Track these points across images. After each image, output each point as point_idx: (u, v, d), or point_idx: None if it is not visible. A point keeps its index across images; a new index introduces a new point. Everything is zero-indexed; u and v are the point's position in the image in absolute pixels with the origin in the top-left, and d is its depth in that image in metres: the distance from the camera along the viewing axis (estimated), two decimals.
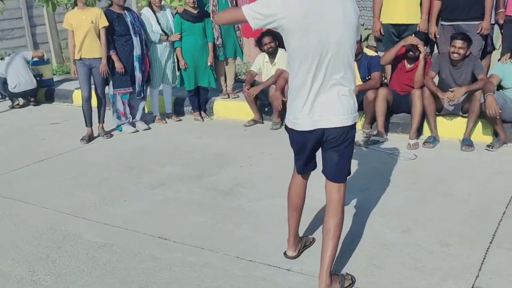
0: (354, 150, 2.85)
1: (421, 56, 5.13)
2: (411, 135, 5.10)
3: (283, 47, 6.02)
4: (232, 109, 6.54)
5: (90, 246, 3.35)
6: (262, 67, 6.11)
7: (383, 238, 3.27)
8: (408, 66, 5.35)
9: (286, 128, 2.78)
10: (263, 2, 2.53)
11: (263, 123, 6.16)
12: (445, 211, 3.62)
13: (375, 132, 5.32)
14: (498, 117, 4.67)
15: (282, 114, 5.94)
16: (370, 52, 5.65)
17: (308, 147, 2.71)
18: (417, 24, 5.48)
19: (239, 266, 3.04)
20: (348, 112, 2.59)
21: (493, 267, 2.89)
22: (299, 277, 2.90)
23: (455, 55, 4.94)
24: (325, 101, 2.56)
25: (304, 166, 2.84)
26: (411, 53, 5.23)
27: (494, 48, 5.54)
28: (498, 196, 3.81)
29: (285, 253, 3.13)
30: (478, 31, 5.18)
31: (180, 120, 6.52)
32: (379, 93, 5.24)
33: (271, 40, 5.90)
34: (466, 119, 5.05)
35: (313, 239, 3.27)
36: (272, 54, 6.00)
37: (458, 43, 4.89)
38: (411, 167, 4.53)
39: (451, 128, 5.20)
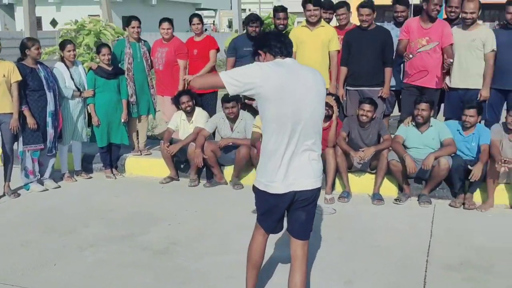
0: None
1: (334, 116, 5.58)
2: (327, 190, 5.45)
3: (200, 105, 6.27)
4: (144, 166, 6.47)
5: None
6: (179, 125, 6.18)
7: None
8: (324, 125, 5.76)
9: (255, 189, 2.90)
10: (243, 71, 2.72)
11: (179, 180, 6.17)
12: (376, 262, 3.92)
13: None
14: (413, 174, 5.21)
15: (199, 171, 6.07)
16: None
17: (281, 208, 2.86)
18: (327, 88, 5.97)
19: None
20: (318, 175, 2.81)
21: None
22: None
23: (364, 117, 5.45)
24: (298, 166, 2.76)
25: (275, 227, 2.97)
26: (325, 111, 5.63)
27: (391, 112, 6.22)
28: (417, 246, 4.21)
29: None
30: (378, 95, 5.78)
31: (91, 177, 6.30)
32: None
33: (189, 99, 6.04)
34: (373, 175, 5.54)
35: None
36: (189, 113, 6.11)
37: (367, 106, 5.42)
38: (333, 222, 4.82)
39: (360, 184, 5.64)
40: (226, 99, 5.74)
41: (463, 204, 5.18)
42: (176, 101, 6.13)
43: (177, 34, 6.72)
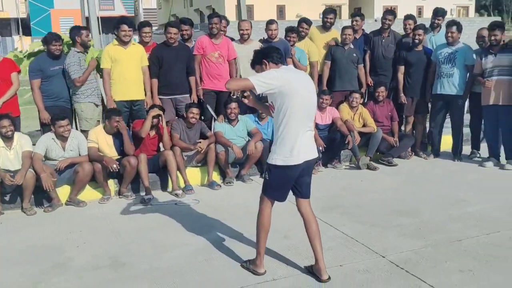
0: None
1: (164, 124, 6.31)
2: (174, 187, 6.19)
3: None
4: None
5: None
6: None
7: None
8: (152, 133, 6.38)
9: (273, 167, 3.75)
10: (267, 75, 3.63)
11: (3, 213, 5.69)
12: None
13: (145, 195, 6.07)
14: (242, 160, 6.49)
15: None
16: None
17: (294, 177, 3.80)
18: (144, 99, 6.61)
19: None
20: (315, 148, 3.89)
21: None
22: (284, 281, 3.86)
23: (193, 119, 6.44)
24: (305, 142, 3.77)
25: (286, 195, 3.87)
26: (155, 120, 6.26)
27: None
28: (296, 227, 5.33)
29: (256, 273, 3.94)
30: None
31: None
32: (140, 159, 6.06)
33: (10, 123, 5.67)
34: (202, 168, 6.58)
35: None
36: (9, 138, 5.71)
37: (195, 110, 6.42)
38: (206, 208, 5.63)
39: (190, 177, 6.55)
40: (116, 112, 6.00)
41: None
42: None
43: None
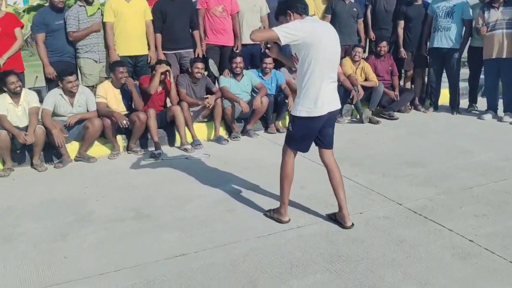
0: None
1: (172, 80, 6.29)
2: (183, 142, 6.23)
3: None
4: None
5: None
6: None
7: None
8: (159, 89, 6.36)
9: (296, 119, 3.81)
10: (291, 26, 3.64)
11: (14, 170, 5.70)
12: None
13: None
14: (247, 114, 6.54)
15: None
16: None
17: (317, 128, 3.87)
18: (147, 54, 6.55)
19: None
20: (339, 99, 3.95)
21: None
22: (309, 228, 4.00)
23: (198, 74, 6.42)
24: (328, 93, 3.82)
25: (309, 146, 3.95)
26: (162, 76, 6.24)
27: None
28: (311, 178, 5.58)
29: (280, 221, 4.07)
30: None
31: None
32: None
33: (18, 79, 5.62)
34: (208, 123, 6.62)
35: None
36: (17, 94, 5.66)
37: (200, 65, 6.39)
38: (217, 162, 5.71)
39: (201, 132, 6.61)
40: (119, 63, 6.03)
41: (277, 129, 6.88)
42: (2, 81, 5.56)
43: None
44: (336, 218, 4.02)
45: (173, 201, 4.63)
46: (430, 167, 5.28)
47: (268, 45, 3.90)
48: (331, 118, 3.92)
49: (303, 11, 3.79)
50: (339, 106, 3.95)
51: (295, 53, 3.81)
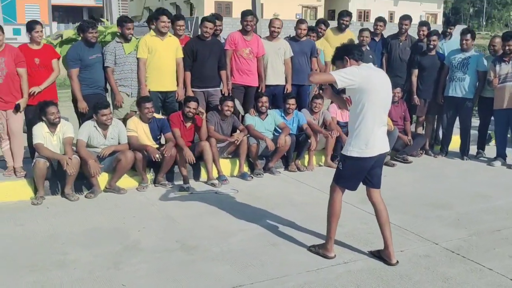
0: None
1: (203, 116, 6.51)
2: (210, 176, 6.39)
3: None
4: None
5: None
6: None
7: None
8: (188, 124, 6.55)
9: (348, 158, 4.03)
10: (348, 71, 3.93)
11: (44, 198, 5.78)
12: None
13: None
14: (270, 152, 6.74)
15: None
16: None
17: (367, 168, 4.09)
18: (175, 91, 6.77)
19: None
20: (388, 142, 4.19)
21: None
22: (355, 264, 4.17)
23: (228, 112, 6.64)
24: (379, 136, 4.07)
25: (358, 185, 4.16)
26: (190, 114, 6.44)
27: None
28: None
29: (326, 256, 4.22)
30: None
31: None
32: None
33: (57, 110, 5.77)
34: (232, 160, 6.80)
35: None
36: (55, 125, 5.79)
37: (230, 103, 6.62)
38: (247, 197, 5.88)
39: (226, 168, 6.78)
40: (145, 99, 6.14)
41: (298, 168, 7.09)
42: (43, 110, 5.70)
43: None
44: (380, 255, 4.20)
45: (216, 234, 4.76)
46: (456, 209, 5.52)
47: (323, 87, 4.15)
48: (380, 160, 4.15)
49: (359, 57, 4.07)
50: (388, 149, 4.18)
51: (349, 96, 4.07)
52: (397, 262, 4.12)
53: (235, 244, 4.54)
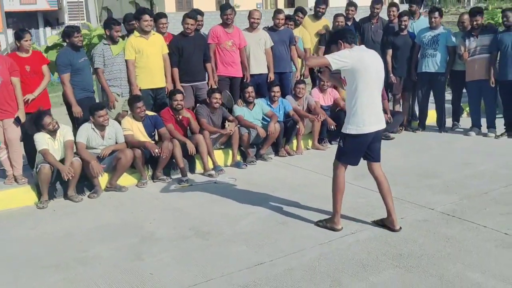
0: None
1: (189, 115, 6.71)
2: (207, 168, 6.60)
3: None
4: None
5: None
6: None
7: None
8: (179, 117, 6.73)
9: (347, 136, 4.32)
10: (342, 54, 4.21)
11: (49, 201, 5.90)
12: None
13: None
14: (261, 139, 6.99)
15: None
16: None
17: (366, 144, 4.39)
18: (165, 86, 6.94)
19: None
20: (384, 119, 4.49)
21: None
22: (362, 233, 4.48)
23: (216, 104, 6.86)
24: (376, 113, 4.37)
25: (359, 160, 4.46)
26: (179, 106, 6.64)
27: None
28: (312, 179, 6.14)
29: (334, 229, 4.52)
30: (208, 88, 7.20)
31: None
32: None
33: (52, 118, 5.87)
34: (225, 150, 7.03)
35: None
36: (55, 131, 5.89)
37: (217, 95, 6.84)
38: (246, 185, 6.11)
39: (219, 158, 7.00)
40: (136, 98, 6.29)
41: (288, 153, 7.36)
42: (38, 123, 5.78)
43: None
44: (384, 223, 4.52)
45: (225, 219, 4.99)
46: (443, 178, 5.90)
47: (321, 69, 4.42)
48: (378, 135, 4.46)
49: (351, 40, 4.35)
50: (384, 125, 4.48)
51: (343, 76, 4.36)
52: (400, 228, 4.45)
53: (246, 226, 4.78)
